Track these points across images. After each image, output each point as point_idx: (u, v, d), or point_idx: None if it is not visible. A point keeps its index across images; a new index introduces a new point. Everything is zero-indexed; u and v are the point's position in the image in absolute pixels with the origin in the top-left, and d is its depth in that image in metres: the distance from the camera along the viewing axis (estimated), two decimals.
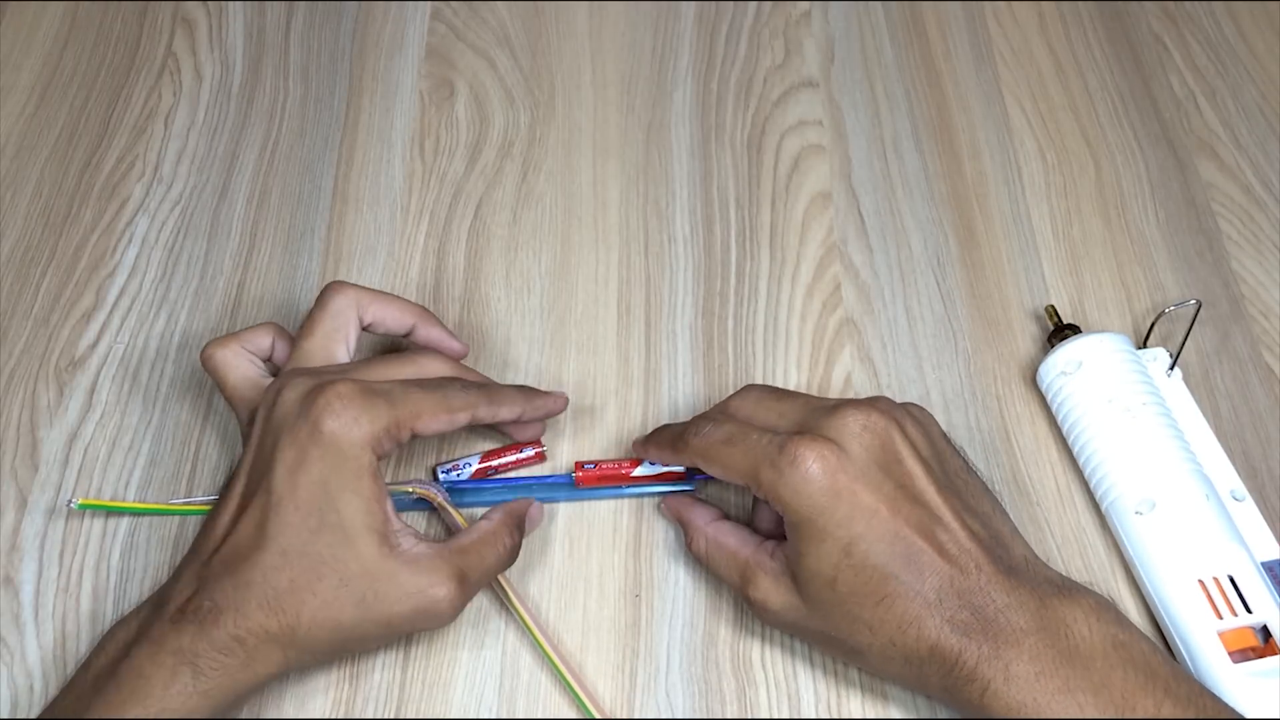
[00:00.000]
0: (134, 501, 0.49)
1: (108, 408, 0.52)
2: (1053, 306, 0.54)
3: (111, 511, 0.49)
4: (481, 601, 0.47)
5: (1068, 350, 0.50)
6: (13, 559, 0.48)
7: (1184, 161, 0.61)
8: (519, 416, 0.48)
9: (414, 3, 0.67)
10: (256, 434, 0.43)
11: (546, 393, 0.49)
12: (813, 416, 0.42)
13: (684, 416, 0.52)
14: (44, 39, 0.65)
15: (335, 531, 0.41)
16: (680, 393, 0.53)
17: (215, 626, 0.39)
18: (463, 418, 0.45)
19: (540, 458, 0.50)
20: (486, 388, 0.47)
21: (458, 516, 0.47)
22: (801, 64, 0.65)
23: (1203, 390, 0.53)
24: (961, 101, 0.63)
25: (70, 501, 0.48)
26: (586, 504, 0.50)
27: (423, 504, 0.48)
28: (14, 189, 0.59)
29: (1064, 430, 0.51)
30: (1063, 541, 0.49)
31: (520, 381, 0.53)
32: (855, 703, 0.45)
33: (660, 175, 0.60)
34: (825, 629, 0.42)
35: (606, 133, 0.62)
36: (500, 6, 0.67)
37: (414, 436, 0.44)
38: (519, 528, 0.46)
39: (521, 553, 0.48)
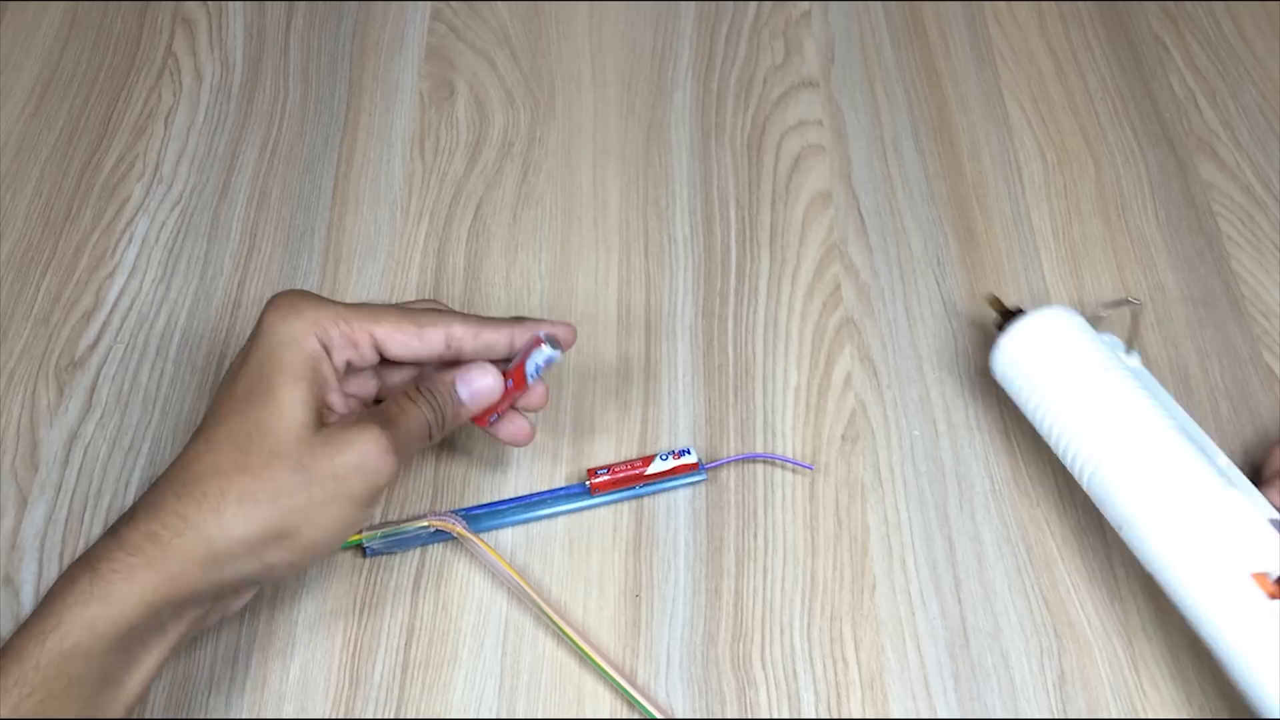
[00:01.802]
0: None
1: (108, 408, 0.52)
2: (994, 296, 0.51)
3: None
4: (482, 602, 0.47)
5: (1019, 331, 0.47)
6: (13, 559, 0.48)
7: (1184, 161, 0.61)
8: (509, 345, 0.45)
9: (414, 3, 0.67)
10: None
11: (540, 321, 0.46)
12: None
13: (684, 416, 0.52)
14: (44, 39, 0.65)
15: (266, 408, 0.39)
16: (680, 393, 0.53)
17: (127, 528, 0.37)
18: (435, 335, 0.43)
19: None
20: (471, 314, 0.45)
21: (481, 544, 0.47)
22: (801, 64, 0.65)
23: (1203, 390, 0.53)
24: (961, 101, 0.63)
25: None
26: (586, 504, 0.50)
27: (441, 535, 0.48)
28: (14, 189, 0.59)
29: (1029, 414, 0.47)
30: (1063, 542, 0.49)
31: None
32: (855, 703, 0.45)
33: (660, 175, 0.60)
34: None
35: (606, 133, 0.62)
36: (500, 6, 0.67)
37: (388, 360, 0.43)
38: (435, 392, 0.43)
39: (521, 552, 0.48)
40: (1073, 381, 0.45)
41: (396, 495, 0.50)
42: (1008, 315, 0.49)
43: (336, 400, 0.42)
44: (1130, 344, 0.50)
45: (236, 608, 0.43)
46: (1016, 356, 0.47)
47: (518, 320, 0.46)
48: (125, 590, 0.36)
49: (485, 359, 0.45)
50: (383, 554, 0.48)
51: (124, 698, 0.37)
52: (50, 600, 0.37)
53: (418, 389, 0.43)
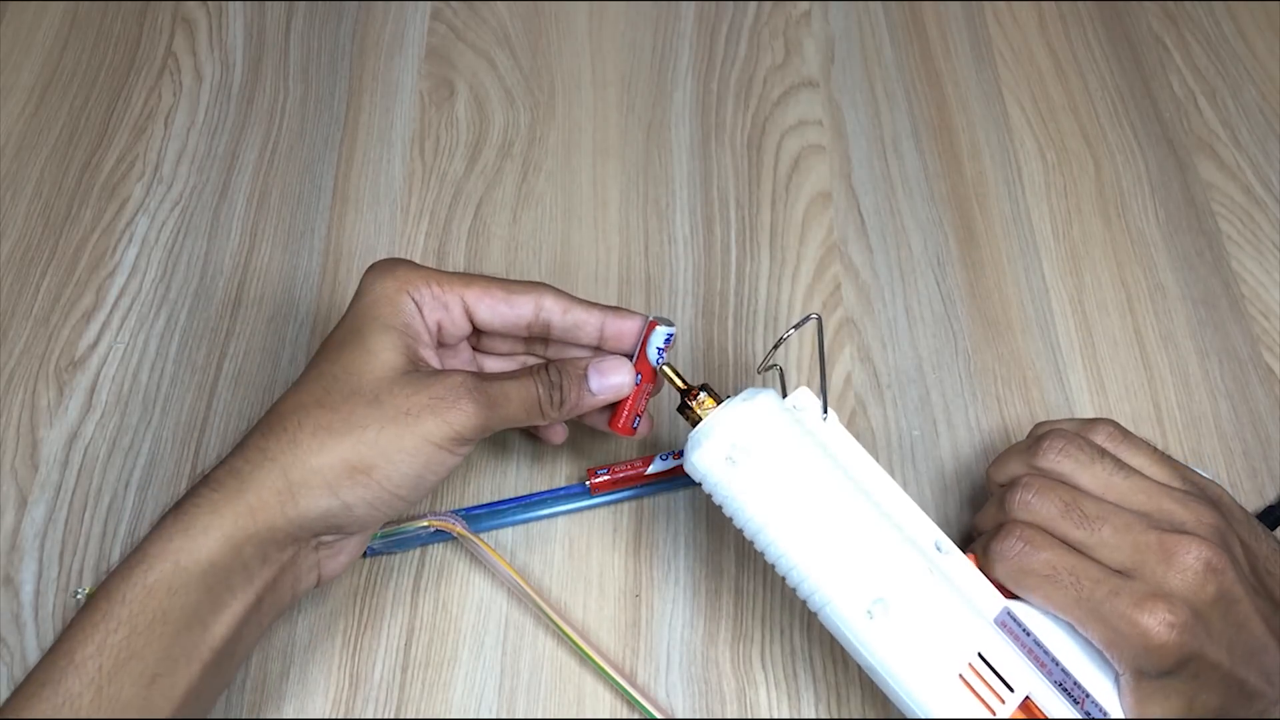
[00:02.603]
0: None
1: (108, 408, 0.52)
2: (668, 365, 0.45)
3: None
4: (482, 602, 0.47)
5: (710, 442, 0.40)
6: (13, 559, 0.48)
7: (1184, 161, 0.61)
8: (600, 328, 0.44)
9: (414, 3, 0.67)
10: None
11: (634, 312, 0.45)
12: (1147, 560, 0.38)
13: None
14: (44, 39, 0.65)
15: (355, 353, 0.40)
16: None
17: (216, 468, 0.38)
18: (524, 303, 0.43)
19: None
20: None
21: (481, 544, 0.47)
22: (801, 64, 0.65)
23: (1203, 390, 0.53)
24: (961, 101, 0.63)
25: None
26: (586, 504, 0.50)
27: (442, 535, 0.48)
28: (14, 189, 0.59)
29: (743, 531, 0.41)
30: None
31: None
32: (855, 703, 0.45)
33: (660, 175, 0.60)
34: None
35: (606, 133, 0.62)
36: (500, 6, 0.67)
37: (478, 328, 0.43)
38: (559, 372, 0.43)
39: (521, 553, 0.48)
40: (786, 508, 0.40)
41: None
42: (688, 394, 0.43)
43: (430, 357, 0.42)
44: (824, 394, 0.43)
45: (330, 570, 0.41)
46: (710, 468, 0.40)
47: (611, 308, 0.45)
48: (207, 523, 0.37)
49: (574, 341, 0.45)
50: (383, 554, 0.48)
51: (210, 641, 0.37)
52: (144, 541, 0.37)
53: (540, 366, 0.43)
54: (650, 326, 0.44)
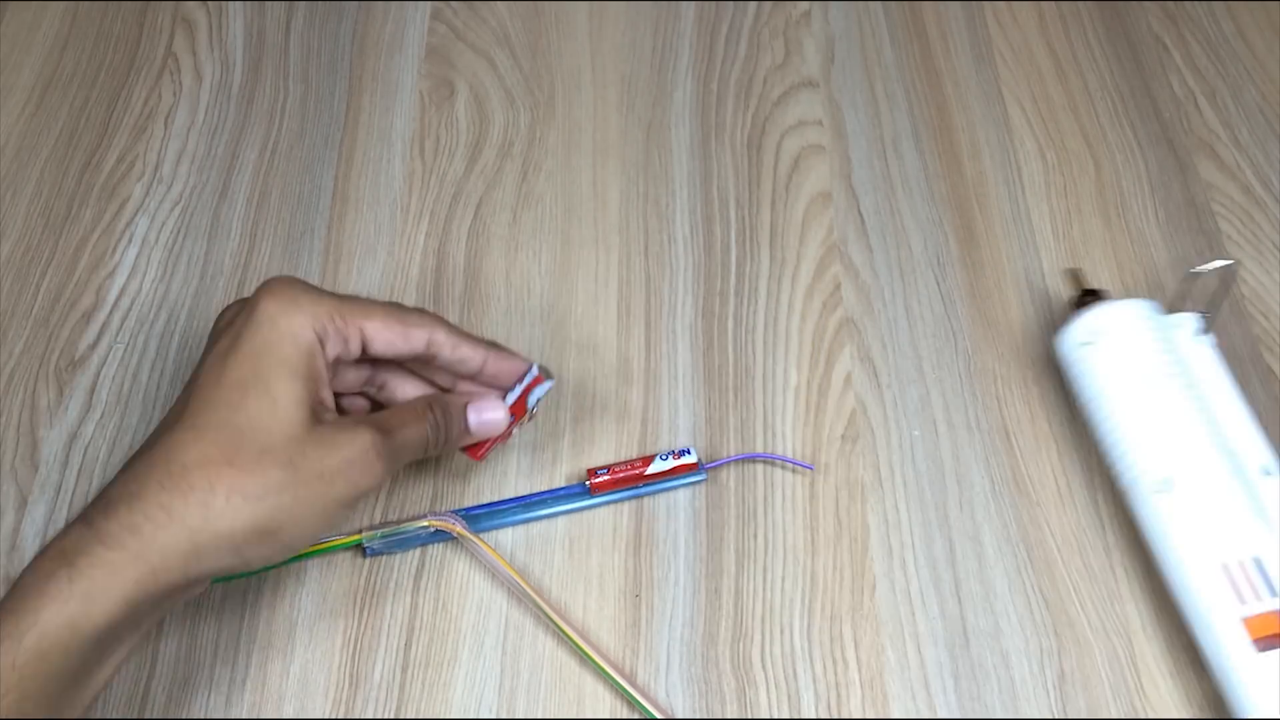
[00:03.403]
0: None
1: (108, 408, 0.52)
2: (1076, 269, 0.51)
3: None
4: (482, 602, 0.47)
5: (1087, 320, 0.48)
6: (13, 559, 0.48)
7: (1184, 161, 0.61)
8: (481, 365, 0.45)
9: (414, 3, 0.67)
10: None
11: (514, 353, 0.47)
12: None
13: (684, 416, 0.52)
14: (44, 39, 0.65)
15: (262, 403, 0.38)
16: (680, 393, 0.53)
17: (105, 518, 0.36)
18: (419, 336, 0.43)
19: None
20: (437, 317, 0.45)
21: (481, 544, 0.47)
22: (801, 64, 0.65)
23: None
24: (961, 101, 0.63)
25: None
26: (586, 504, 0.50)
27: (442, 535, 0.48)
28: (14, 189, 0.59)
29: (1081, 405, 0.49)
30: (1063, 542, 0.49)
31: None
32: (855, 703, 0.45)
33: (660, 175, 0.60)
34: None
35: (606, 133, 0.62)
36: (500, 6, 0.67)
37: (368, 355, 0.42)
38: (444, 412, 0.44)
39: (521, 552, 0.48)
40: (1124, 386, 0.47)
41: (396, 495, 0.50)
42: (1086, 295, 0.51)
43: (328, 396, 0.42)
44: (1210, 318, 0.49)
45: (195, 594, 0.41)
46: (1081, 342, 0.48)
47: (493, 345, 0.46)
48: (106, 587, 0.35)
49: (456, 371, 0.46)
50: (383, 554, 0.48)
51: (93, 689, 0.37)
52: (23, 596, 0.35)
53: (429, 405, 0.44)
54: (536, 380, 0.47)
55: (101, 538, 0.36)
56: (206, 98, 0.63)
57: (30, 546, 0.48)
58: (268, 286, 0.41)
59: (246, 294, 0.55)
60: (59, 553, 0.36)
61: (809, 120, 0.62)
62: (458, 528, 0.47)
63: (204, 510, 0.37)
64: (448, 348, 0.44)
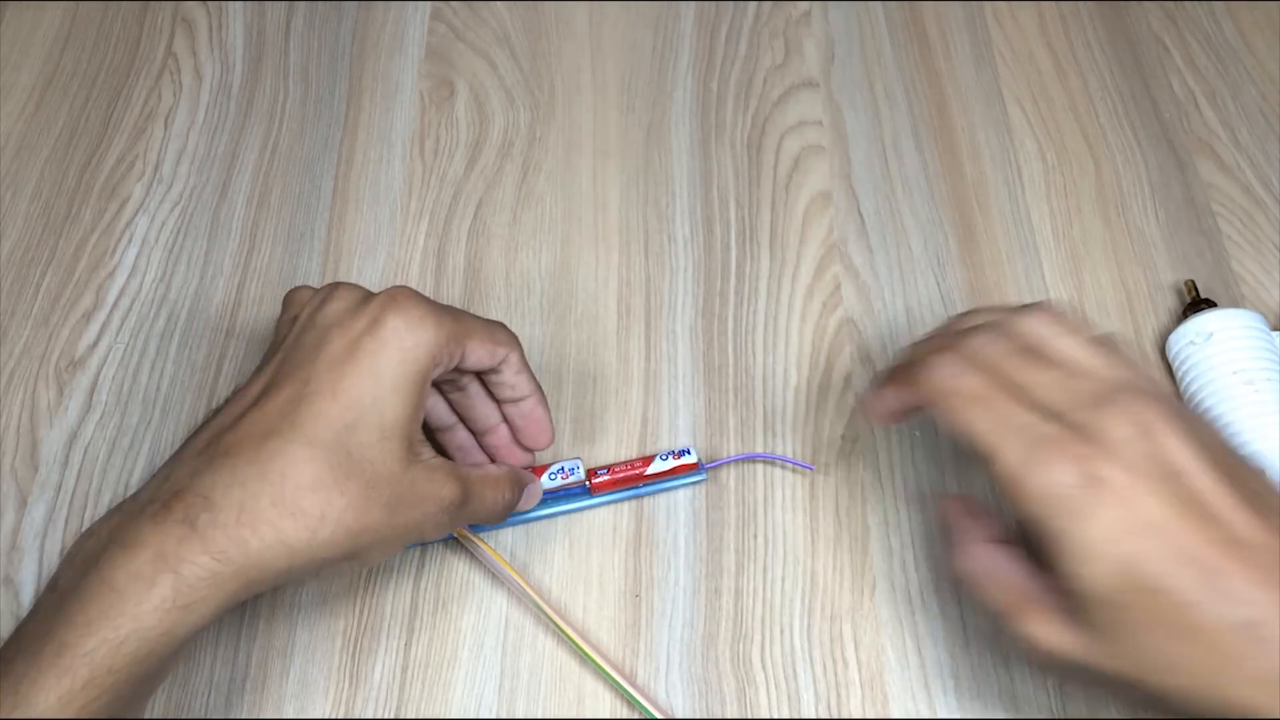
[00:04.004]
0: None
1: (108, 408, 0.52)
2: (1192, 281, 0.55)
3: None
4: (482, 602, 0.47)
5: (1198, 321, 0.51)
6: (13, 559, 0.48)
7: (1184, 161, 0.61)
8: (526, 400, 0.45)
9: (414, 3, 0.67)
10: (294, 333, 0.40)
11: (548, 411, 0.47)
12: (1076, 407, 0.36)
13: (684, 416, 0.52)
14: (44, 39, 0.65)
15: (374, 431, 0.38)
16: (680, 393, 0.53)
17: (213, 526, 0.35)
18: (502, 354, 0.43)
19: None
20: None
21: (481, 544, 0.47)
22: (801, 64, 0.65)
23: None
24: (961, 101, 0.63)
25: None
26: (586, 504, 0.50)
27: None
28: (14, 189, 0.59)
29: (1185, 399, 0.51)
30: None
31: None
32: (855, 703, 0.45)
33: (660, 175, 0.60)
34: (1110, 669, 0.35)
35: (606, 133, 0.62)
36: (500, 6, 0.67)
37: (458, 367, 0.42)
38: (518, 486, 0.45)
39: (521, 552, 0.48)
40: (1227, 384, 0.49)
41: None
42: (1196, 303, 0.54)
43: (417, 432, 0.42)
44: None
45: None
46: (1190, 341, 0.51)
47: (543, 398, 0.46)
48: (207, 598, 0.35)
49: (500, 392, 0.45)
50: None
51: (162, 681, 0.38)
52: (121, 597, 0.34)
53: (513, 480, 0.44)
54: (542, 469, 0.48)
55: (208, 547, 0.35)
56: (206, 98, 0.63)
57: (30, 546, 0.48)
58: (395, 302, 0.39)
59: (246, 294, 0.56)
60: (159, 556, 0.35)
61: (809, 120, 0.62)
62: (458, 527, 0.47)
63: (310, 535, 0.36)
64: (513, 370, 0.44)
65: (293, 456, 0.36)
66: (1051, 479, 0.35)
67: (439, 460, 0.41)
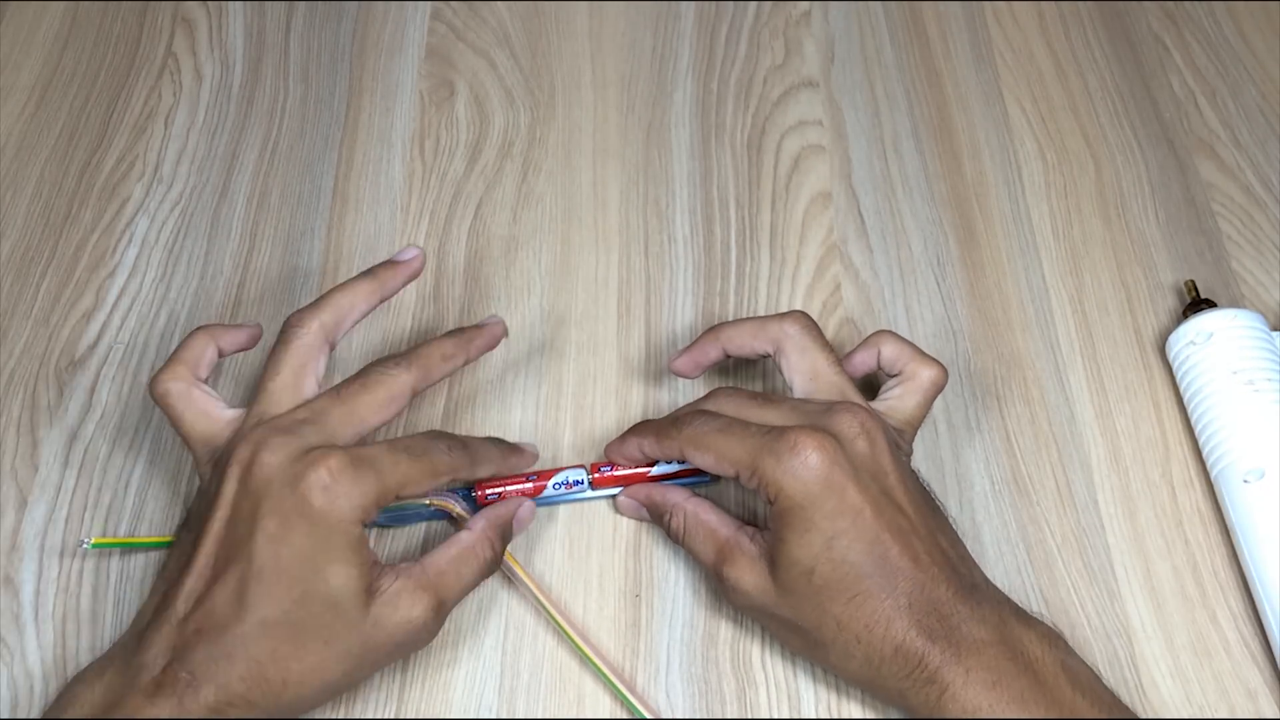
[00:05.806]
0: (147, 536, 0.48)
1: (108, 408, 0.52)
2: (1192, 281, 0.55)
3: (126, 548, 0.48)
4: (482, 602, 0.47)
5: (1198, 322, 0.51)
6: (13, 559, 0.48)
7: (1184, 161, 0.61)
8: (494, 473, 0.47)
9: (414, 3, 0.67)
10: (229, 493, 0.41)
11: (521, 449, 0.48)
12: (808, 415, 0.44)
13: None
14: (44, 39, 0.65)
15: (320, 600, 0.40)
16: (680, 393, 0.53)
17: (194, 700, 0.38)
18: (446, 480, 0.44)
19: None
20: (467, 447, 0.45)
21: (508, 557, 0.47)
22: (801, 64, 0.65)
23: None
24: (961, 101, 0.63)
25: (83, 542, 0.47)
26: (587, 504, 0.50)
27: (440, 514, 0.48)
28: (14, 189, 0.59)
29: (1185, 399, 0.51)
30: (1063, 541, 0.49)
31: (520, 381, 0.53)
32: (855, 703, 0.45)
33: (660, 175, 0.60)
34: (793, 618, 0.42)
35: (606, 133, 0.62)
36: (500, 6, 0.67)
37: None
38: (501, 536, 0.45)
39: (521, 552, 0.48)
40: (1227, 384, 0.49)
41: None
42: (1197, 303, 0.54)
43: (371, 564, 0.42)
44: None
45: None
46: (1190, 341, 0.51)
47: (499, 446, 0.48)
48: None
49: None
50: (383, 527, 0.48)
51: None
52: None
53: (486, 539, 0.44)
54: (548, 475, 0.49)
55: (187, 712, 0.38)
56: (206, 98, 0.63)
57: (30, 546, 0.48)
58: (317, 474, 0.40)
59: (246, 294, 0.56)
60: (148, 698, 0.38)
61: (809, 120, 0.62)
62: (456, 509, 0.47)
63: (279, 697, 0.39)
64: (466, 478, 0.46)
65: (251, 636, 0.39)
66: (795, 461, 0.41)
67: (400, 581, 0.41)
